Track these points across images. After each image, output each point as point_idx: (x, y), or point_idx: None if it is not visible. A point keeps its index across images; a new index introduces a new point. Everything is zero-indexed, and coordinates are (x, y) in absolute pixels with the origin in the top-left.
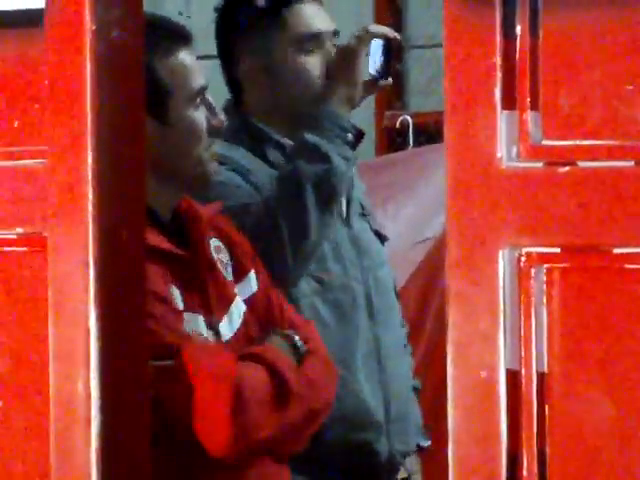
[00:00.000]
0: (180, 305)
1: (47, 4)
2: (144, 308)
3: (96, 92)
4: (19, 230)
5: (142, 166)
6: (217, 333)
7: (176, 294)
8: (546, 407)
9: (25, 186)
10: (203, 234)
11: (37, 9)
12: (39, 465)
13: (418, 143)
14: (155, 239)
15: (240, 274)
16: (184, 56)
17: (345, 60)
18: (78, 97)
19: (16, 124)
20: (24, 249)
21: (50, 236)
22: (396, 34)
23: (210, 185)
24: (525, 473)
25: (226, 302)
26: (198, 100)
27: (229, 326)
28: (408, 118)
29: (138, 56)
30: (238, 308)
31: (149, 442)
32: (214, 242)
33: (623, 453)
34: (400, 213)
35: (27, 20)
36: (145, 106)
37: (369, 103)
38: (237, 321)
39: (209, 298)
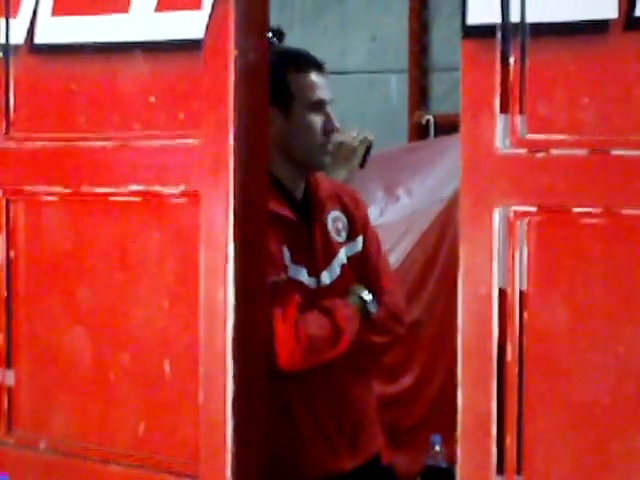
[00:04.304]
0: (287, 259)
1: (205, 35)
2: (265, 241)
3: (236, 96)
4: (181, 187)
5: (265, 146)
6: (318, 280)
7: (286, 252)
8: (525, 313)
9: (187, 157)
10: (320, 209)
11: (197, 39)
12: (191, 349)
13: (437, 135)
14: (280, 208)
15: (351, 237)
16: (313, 76)
17: (350, 154)
18: (224, 99)
19: (181, 116)
20: (184, 200)
21: (202, 192)
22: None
23: (324, 171)
24: (509, 357)
25: (330, 257)
26: (317, 108)
27: (329, 275)
28: (430, 117)
29: (265, 72)
30: (339, 262)
31: (268, 334)
32: (333, 214)
33: (578, 343)
34: (424, 181)
35: (198, 47)
36: (273, 105)
37: (404, 106)
38: (336, 272)
39: (315, 254)
